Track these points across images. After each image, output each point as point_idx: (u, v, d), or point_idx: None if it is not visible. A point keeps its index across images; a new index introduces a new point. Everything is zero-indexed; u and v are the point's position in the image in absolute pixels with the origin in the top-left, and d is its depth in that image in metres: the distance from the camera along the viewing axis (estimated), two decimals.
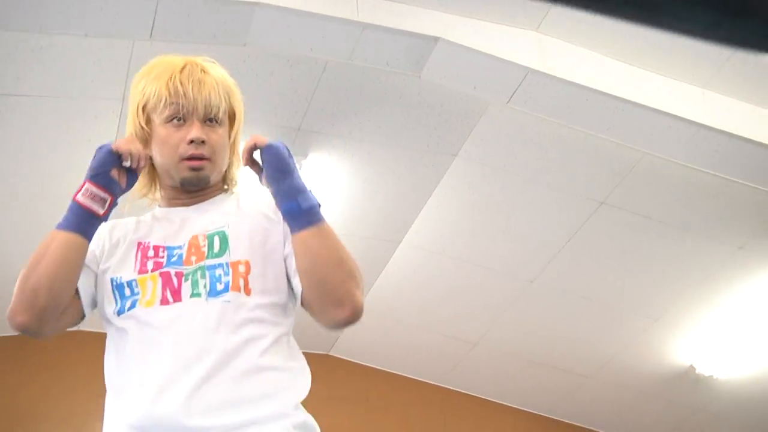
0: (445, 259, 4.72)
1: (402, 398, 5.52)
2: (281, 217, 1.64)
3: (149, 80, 1.70)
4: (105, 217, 1.61)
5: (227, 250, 1.61)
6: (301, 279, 1.58)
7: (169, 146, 1.67)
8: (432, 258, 4.73)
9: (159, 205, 1.77)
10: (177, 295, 1.57)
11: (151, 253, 1.64)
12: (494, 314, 5.04)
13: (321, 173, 4.13)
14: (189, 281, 1.58)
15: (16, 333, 4.72)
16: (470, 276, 4.80)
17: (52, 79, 3.55)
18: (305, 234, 1.56)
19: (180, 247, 1.64)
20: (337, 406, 5.13)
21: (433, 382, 5.62)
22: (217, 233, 1.64)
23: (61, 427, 4.79)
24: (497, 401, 5.68)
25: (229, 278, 1.57)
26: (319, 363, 5.18)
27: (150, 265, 1.62)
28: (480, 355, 5.33)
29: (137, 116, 1.70)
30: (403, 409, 5.49)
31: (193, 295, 1.56)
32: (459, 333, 5.21)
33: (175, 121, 1.67)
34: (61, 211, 4.40)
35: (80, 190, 1.58)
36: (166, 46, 3.43)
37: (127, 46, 3.46)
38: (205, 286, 1.57)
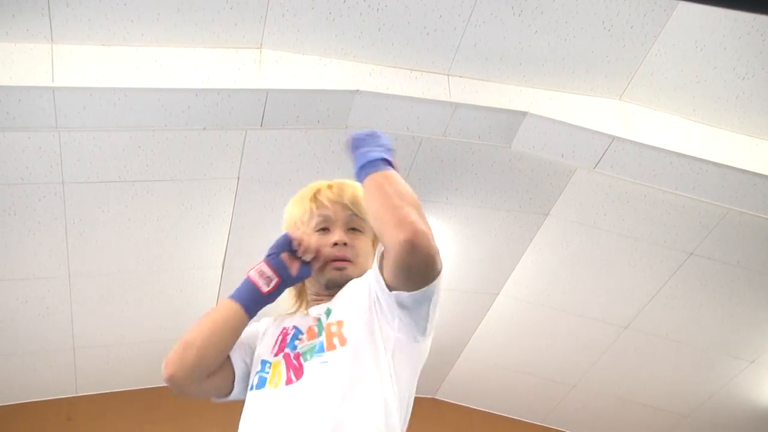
0: (541, 308, 4.80)
1: None
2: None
3: (297, 202, 1.84)
4: (270, 297, 1.69)
5: (328, 317, 1.67)
6: (374, 228, 1.60)
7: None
8: (529, 308, 4.81)
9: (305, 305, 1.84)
10: (299, 375, 1.60)
11: (288, 339, 1.71)
12: (591, 358, 5.08)
13: None
14: (307, 358, 1.63)
15: (151, 386, 4.94)
16: (566, 323, 4.86)
17: (175, 165, 3.81)
18: (369, 183, 1.59)
19: (301, 331, 1.70)
20: None
21: (534, 422, 5.67)
22: (325, 312, 1.70)
23: None
24: None
25: (323, 338, 1.62)
26: (426, 406, 5.33)
27: (280, 347, 1.70)
28: (578, 395, 5.37)
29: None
30: None
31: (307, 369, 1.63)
32: (557, 376, 5.26)
33: (321, 230, 1.77)
34: (191, 282, 4.63)
35: (254, 267, 1.70)
36: (276, 133, 3.68)
37: (240, 135, 3.70)
38: (319, 359, 1.61)
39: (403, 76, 3.56)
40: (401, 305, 1.57)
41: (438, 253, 1.51)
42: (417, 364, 1.64)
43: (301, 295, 1.84)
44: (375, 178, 1.58)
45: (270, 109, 3.49)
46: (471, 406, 5.56)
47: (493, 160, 3.92)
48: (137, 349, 4.93)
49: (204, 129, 3.56)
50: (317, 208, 1.78)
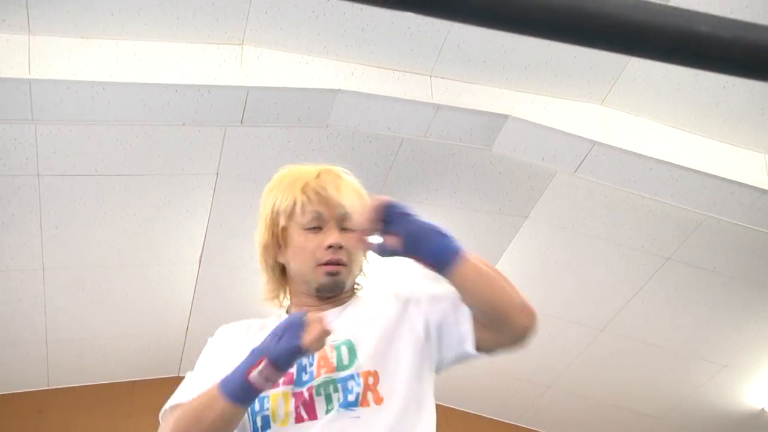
0: None
1: None
2: (399, 298, 1.60)
3: (282, 189, 1.66)
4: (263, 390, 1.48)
5: (356, 360, 1.52)
6: (478, 310, 1.50)
7: (306, 252, 1.61)
8: None
9: (287, 311, 1.68)
10: (312, 413, 1.49)
11: None
12: (566, 359, 5.09)
13: None
14: (322, 396, 1.50)
15: (125, 380, 4.90)
16: (542, 325, 4.79)
17: (154, 160, 3.77)
18: (466, 268, 1.46)
19: (308, 358, 1.53)
20: None
21: (508, 421, 5.69)
22: (344, 343, 1.55)
23: None
24: None
25: (360, 389, 1.49)
26: None
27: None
28: (553, 396, 5.38)
29: (271, 224, 1.64)
30: None
31: (328, 411, 1.48)
32: (532, 377, 5.27)
33: (312, 228, 1.62)
34: (167, 277, 4.59)
35: (255, 367, 1.42)
36: (257, 131, 3.65)
37: (220, 132, 3.67)
38: (338, 400, 1.49)
39: (386, 77, 3.53)
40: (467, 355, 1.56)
41: None
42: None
43: (281, 286, 1.69)
44: (475, 260, 1.49)
45: (250, 106, 3.46)
46: (447, 405, 5.55)
47: (474, 162, 3.91)
48: (111, 343, 4.89)
49: (183, 125, 3.53)
50: (308, 202, 1.62)
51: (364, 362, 1.51)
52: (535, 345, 5.20)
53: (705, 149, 3.77)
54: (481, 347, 1.52)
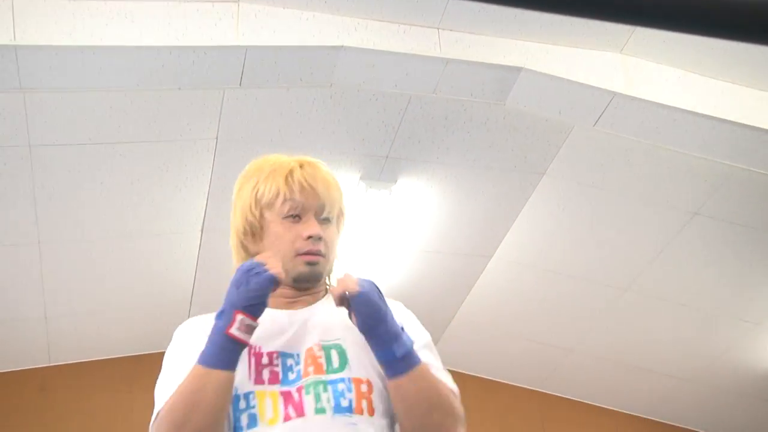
0: (537, 271, 4.83)
1: (499, 404, 5.67)
2: None
3: (262, 177, 1.70)
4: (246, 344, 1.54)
5: (347, 365, 1.59)
6: (399, 422, 1.57)
7: (284, 242, 1.67)
8: (523, 271, 4.84)
9: None
10: (300, 410, 1.53)
11: (265, 360, 1.60)
12: (589, 322, 5.13)
13: (411, 197, 4.30)
14: (311, 395, 1.54)
15: (129, 355, 4.97)
16: (563, 286, 4.90)
17: (150, 126, 3.79)
18: (400, 381, 1.53)
19: (293, 357, 1.60)
20: None
21: (530, 387, 5.75)
22: (334, 347, 1.62)
23: None
24: (596, 404, 5.78)
25: (353, 396, 1.55)
26: None
27: (266, 375, 1.58)
28: (576, 360, 5.43)
29: (251, 212, 1.69)
30: (500, 415, 5.65)
31: (317, 410, 1.53)
32: (554, 340, 5.32)
33: (291, 217, 1.68)
34: (168, 247, 4.64)
35: (233, 323, 1.49)
36: (256, 92, 3.65)
37: (218, 94, 3.67)
38: (328, 401, 1.54)
39: (391, 31, 3.53)
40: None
41: None
42: None
43: None
44: (415, 377, 1.53)
45: (249, 66, 3.46)
46: (464, 372, 5.62)
47: (487, 118, 3.91)
48: (113, 317, 4.96)
49: (179, 89, 3.54)
50: (290, 192, 1.68)
51: (356, 369, 1.58)
52: (556, 307, 5.27)
53: (732, 97, 3.76)
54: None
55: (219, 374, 1.49)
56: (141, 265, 4.59)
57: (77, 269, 4.50)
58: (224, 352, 1.50)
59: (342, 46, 3.46)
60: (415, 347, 1.58)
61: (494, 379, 5.70)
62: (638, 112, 3.69)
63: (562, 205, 4.41)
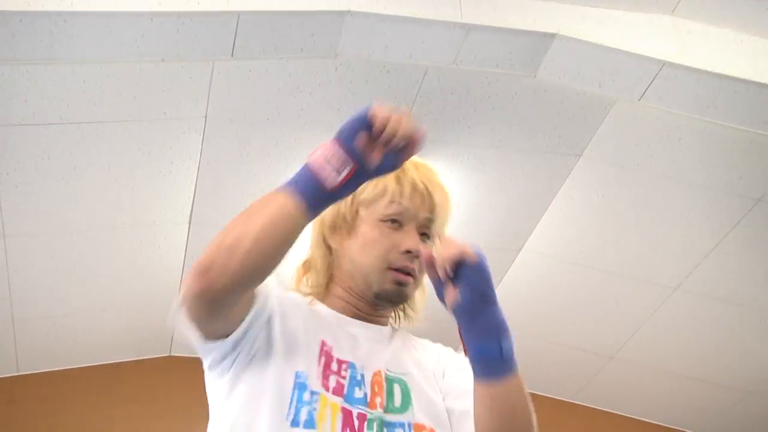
0: (572, 267, 4.78)
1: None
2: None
3: None
4: (339, 193, 1.44)
5: (410, 408, 1.56)
6: None
7: (378, 249, 1.63)
8: (557, 266, 4.80)
9: (325, 303, 1.70)
10: None
11: (335, 366, 1.57)
12: (632, 325, 5.08)
13: None
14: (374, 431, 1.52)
15: (108, 362, 4.97)
16: (602, 284, 4.85)
17: (130, 103, 3.74)
18: (505, 387, 1.45)
19: (361, 374, 1.58)
20: None
21: (563, 399, 5.71)
22: (398, 381, 1.60)
23: None
24: (641, 419, 5.75)
25: None
26: None
27: (332, 382, 1.55)
28: (616, 369, 5.39)
29: (345, 204, 1.66)
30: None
31: None
32: (591, 346, 5.27)
33: (391, 222, 1.64)
34: (152, 241, 4.63)
35: (318, 147, 1.44)
36: (250, 64, 3.61)
37: (207, 67, 3.62)
38: None
39: None
40: None
41: None
42: None
43: (328, 283, 1.70)
44: (519, 386, 1.48)
45: (242, 35, 3.42)
46: None
47: (515, 92, 3.85)
48: (89, 320, 4.93)
49: (162, 60, 3.50)
50: (399, 194, 1.64)
51: (418, 413, 1.56)
52: (594, 309, 5.22)
53: None
54: None
55: (285, 198, 1.41)
56: (121, 261, 4.56)
57: (48, 266, 4.47)
58: (300, 178, 1.42)
59: (348, 11, 3.42)
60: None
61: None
62: (691, 83, 3.64)
63: (601, 191, 4.35)
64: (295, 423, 1.48)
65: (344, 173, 1.40)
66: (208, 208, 4.35)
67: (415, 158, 1.60)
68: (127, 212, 4.32)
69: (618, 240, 4.61)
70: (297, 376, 1.52)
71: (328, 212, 1.65)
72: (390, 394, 1.56)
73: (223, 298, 1.43)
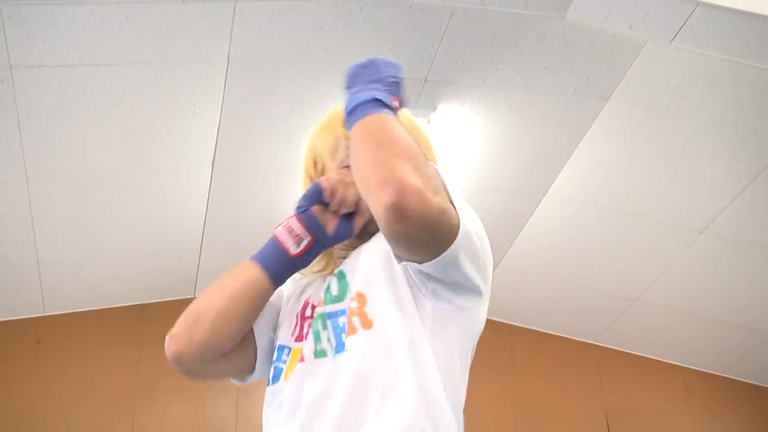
0: (597, 209, 4.68)
1: (552, 359, 5.58)
2: None
3: (322, 129, 1.73)
4: (301, 261, 1.56)
5: (347, 290, 1.54)
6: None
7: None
8: (582, 209, 4.70)
9: None
10: (301, 358, 1.53)
11: (308, 312, 1.61)
12: (656, 268, 5.00)
13: (453, 126, 4.14)
14: (312, 335, 1.53)
15: (133, 304, 4.96)
16: (627, 227, 4.76)
17: (151, 45, 3.64)
18: (351, 133, 1.48)
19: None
20: (478, 371, 5.23)
21: (586, 341, 5.65)
22: (337, 274, 1.60)
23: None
24: (663, 360, 5.70)
25: (345, 319, 1.50)
26: None
27: (302, 330, 1.59)
28: (641, 311, 5.32)
29: (312, 169, 1.72)
30: (553, 371, 5.56)
31: (316, 354, 1.51)
32: (615, 288, 5.20)
33: (347, 166, 1.65)
34: (174, 184, 4.56)
35: (282, 222, 1.58)
36: (273, 4, 3.50)
37: (228, 7, 3.51)
38: (329, 340, 1.51)
39: None
40: (424, 275, 1.45)
41: (442, 210, 1.35)
42: (472, 332, 1.55)
43: (329, 253, 1.71)
44: (360, 126, 1.44)
45: None
46: (511, 323, 5.52)
47: (543, 34, 3.73)
48: (113, 263, 4.89)
49: (183, 1, 3.38)
50: (347, 138, 1.62)
51: (354, 287, 1.53)
52: (618, 250, 5.14)
53: None
54: (397, 256, 1.47)
55: (252, 268, 1.56)
56: (143, 204, 4.49)
57: (70, 209, 4.41)
58: (266, 248, 1.58)
59: None
60: None
61: (546, 331, 5.60)
62: (726, 24, 3.49)
63: (629, 134, 4.24)
64: (269, 382, 1.58)
65: (303, 245, 1.55)
66: (231, 151, 4.26)
67: None
68: (149, 155, 4.24)
69: (645, 183, 4.52)
70: (279, 348, 1.61)
71: (306, 184, 1.70)
72: (327, 289, 1.57)
73: (196, 365, 1.54)
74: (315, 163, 1.70)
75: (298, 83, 3.89)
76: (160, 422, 5.01)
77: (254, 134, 4.15)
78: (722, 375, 5.74)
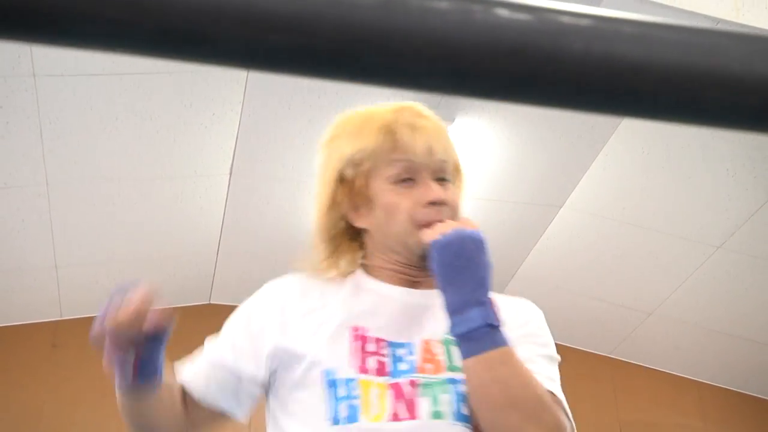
0: (614, 223, 4.67)
1: (566, 372, 5.52)
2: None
3: (347, 138, 1.55)
4: (141, 381, 1.49)
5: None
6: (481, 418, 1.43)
7: (402, 212, 1.50)
8: (598, 222, 4.69)
9: (364, 273, 1.58)
10: (412, 411, 1.41)
11: (371, 347, 1.46)
12: (672, 282, 4.98)
13: (470, 138, 4.14)
14: (429, 396, 1.43)
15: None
16: (644, 241, 4.74)
17: None
18: (468, 363, 1.39)
19: (405, 346, 1.47)
20: None
21: (601, 353, 5.64)
22: (456, 343, 1.48)
23: None
24: (678, 374, 5.66)
25: None
26: None
27: (371, 363, 1.45)
28: (656, 325, 5.30)
29: (341, 180, 1.54)
30: (567, 384, 5.51)
31: (434, 414, 1.41)
32: (631, 302, 5.19)
33: (402, 182, 1.50)
34: (193, 191, 4.53)
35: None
36: None
37: None
38: (449, 404, 1.42)
39: None
40: None
41: None
42: None
43: (338, 252, 1.58)
44: (486, 364, 1.37)
45: None
46: None
47: None
48: (130, 268, 4.90)
49: None
50: (393, 149, 1.49)
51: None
52: (634, 264, 5.10)
53: None
54: None
55: (119, 392, 1.54)
56: (161, 210, 4.51)
57: (89, 214, 4.44)
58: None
59: None
60: (530, 352, 1.47)
61: (561, 343, 5.56)
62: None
63: (647, 148, 4.24)
64: (335, 421, 1.41)
65: (129, 372, 1.46)
66: (249, 159, 4.28)
67: (391, 104, 1.56)
68: (168, 163, 4.26)
69: (662, 197, 4.50)
70: (326, 374, 1.44)
71: (332, 197, 1.54)
72: (449, 355, 1.46)
73: None
74: (350, 170, 1.52)
75: (317, 95, 3.90)
76: None
77: (272, 144, 4.16)
78: (737, 390, 5.70)
